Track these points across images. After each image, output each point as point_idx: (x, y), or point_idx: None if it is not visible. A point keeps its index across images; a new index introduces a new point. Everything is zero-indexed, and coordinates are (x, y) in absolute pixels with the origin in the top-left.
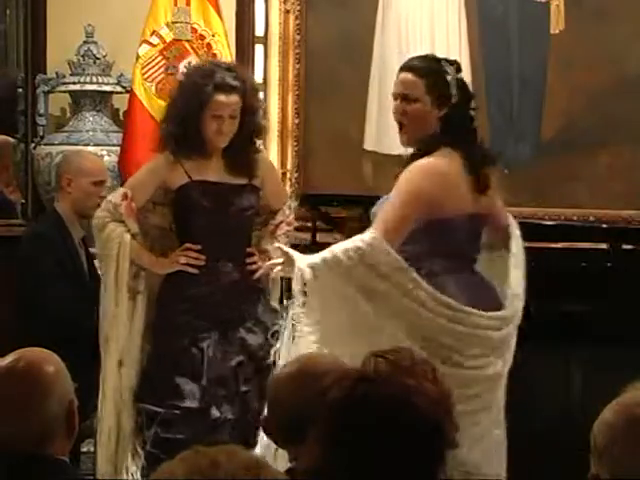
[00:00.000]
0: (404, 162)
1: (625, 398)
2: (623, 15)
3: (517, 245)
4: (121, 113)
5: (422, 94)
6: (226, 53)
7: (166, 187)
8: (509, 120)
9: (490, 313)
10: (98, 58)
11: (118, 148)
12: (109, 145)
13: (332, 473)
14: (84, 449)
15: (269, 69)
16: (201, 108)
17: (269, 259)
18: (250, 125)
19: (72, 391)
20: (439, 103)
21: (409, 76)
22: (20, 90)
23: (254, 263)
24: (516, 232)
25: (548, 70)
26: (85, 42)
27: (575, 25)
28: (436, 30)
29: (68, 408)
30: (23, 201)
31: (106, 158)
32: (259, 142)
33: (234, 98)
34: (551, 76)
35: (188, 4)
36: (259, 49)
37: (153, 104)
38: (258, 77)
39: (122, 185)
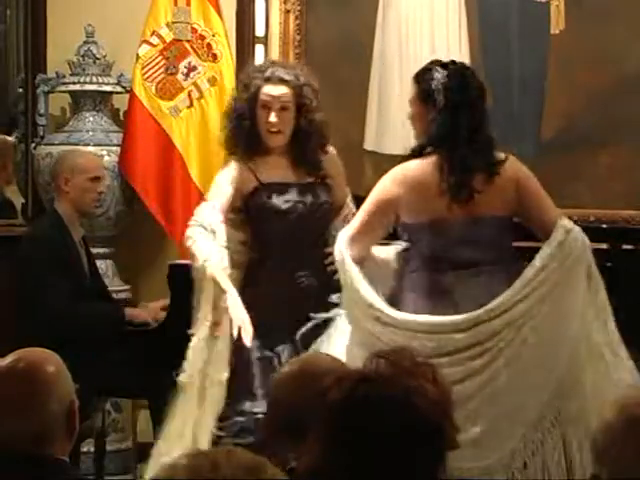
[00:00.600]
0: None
1: (625, 398)
2: (623, 15)
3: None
4: (121, 113)
5: (414, 99)
6: (226, 53)
7: (241, 193)
8: (509, 120)
9: (421, 318)
10: (98, 58)
11: (118, 148)
12: (109, 145)
13: (332, 473)
14: (84, 449)
15: None
16: (252, 102)
17: None
18: (307, 122)
19: (73, 391)
20: (427, 108)
21: (411, 82)
22: (20, 90)
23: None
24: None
25: (548, 70)
26: (85, 42)
27: (575, 25)
28: (436, 30)
29: (69, 408)
30: (23, 201)
31: (106, 158)
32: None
33: (283, 89)
34: (551, 76)
35: (188, 4)
36: (259, 49)
37: (153, 104)
38: None
39: (122, 185)
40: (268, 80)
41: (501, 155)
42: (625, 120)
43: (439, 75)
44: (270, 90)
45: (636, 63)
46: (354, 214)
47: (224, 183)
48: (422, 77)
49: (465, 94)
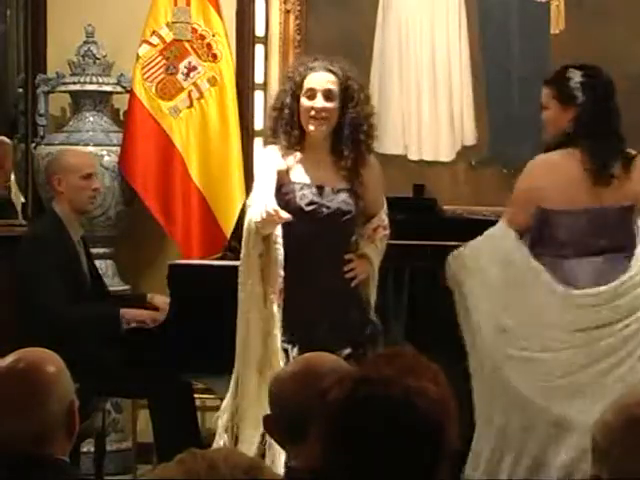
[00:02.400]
0: None
1: (625, 398)
2: (623, 15)
3: None
4: (121, 113)
5: (551, 102)
6: (226, 53)
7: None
8: (509, 120)
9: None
10: (98, 58)
11: (118, 148)
12: (109, 145)
13: (333, 473)
14: (84, 449)
15: (269, 69)
16: (297, 90)
17: (370, 264)
18: (353, 115)
19: (73, 391)
20: (567, 108)
21: (543, 88)
22: (20, 90)
23: (352, 270)
24: None
25: (548, 70)
26: (85, 42)
27: (575, 25)
28: (436, 30)
29: (69, 408)
30: (23, 201)
31: (106, 158)
32: (372, 148)
33: (328, 76)
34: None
35: (188, 4)
36: (259, 49)
37: (153, 104)
38: (258, 77)
39: (122, 185)
40: (313, 69)
41: (632, 150)
42: (625, 120)
43: (576, 76)
44: (315, 77)
45: (636, 63)
46: (385, 227)
47: (268, 168)
48: (558, 80)
49: (602, 91)
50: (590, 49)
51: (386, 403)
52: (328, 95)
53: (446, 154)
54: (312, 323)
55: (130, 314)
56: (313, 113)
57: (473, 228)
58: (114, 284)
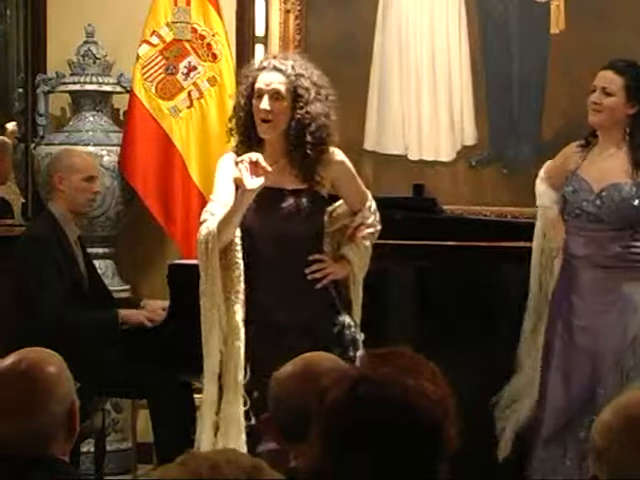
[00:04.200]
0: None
1: (624, 399)
2: (623, 15)
3: None
4: (121, 113)
5: (618, 90)
6: (226, 53)
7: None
8: (509, 120)
9: None
10: (98, 58)
11: (118, 148)
12: (109, 145)
13: (332, 473)
14: (84, 449)
15: None
16: (249, 92)
17: (349, 264)
18: (302, 115)
19: (74, 392)
20: (631, 101)
21: (610, 73)
22: (20, 90)
23: (317, 271)
24: None
25: (548, 70)
26: (85, 42)
27: (575, 25)
28: (436, 30)
29: (69, 409)
30: (23, 201)
31: (106, 158)
32: (331, 145)
33: (276, 76)
34: (551, 76)
35: (188, 4)
36: (259, 49)
37: (153, 104)
38: None
39: (122, 185)
40: (263, 69)
41: None
42: None
43: None
44: (263, 77)
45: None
46: (369, 226)
47: (224, 179)
48: (634, 75)
49: None
50: (590, 49)
51: (384, 403)
52: (275, 96)
53: (446, 154)
54: (279, 330)
55: (127, 316)
56: (261, 115)
57: (473, 228)
58: (114, 284)
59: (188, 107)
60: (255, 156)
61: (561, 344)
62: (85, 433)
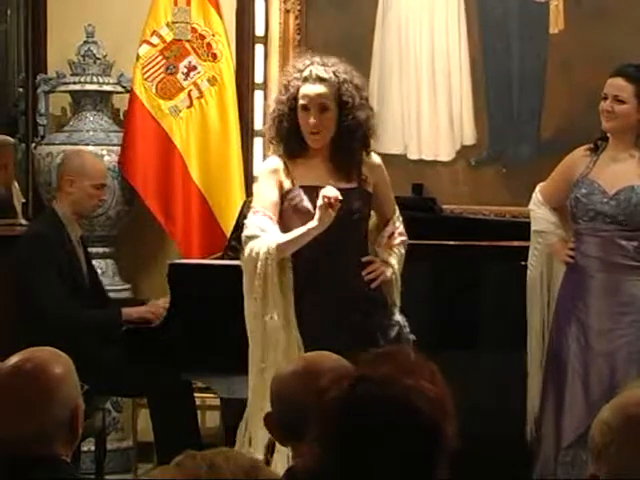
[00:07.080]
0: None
1: (623, 397)
2: (623, 15)
3: None
4: (121, 113)
5: (630, 97)
6: (226, 53)
7: (280, 193)
8: (509, 120)
9: None
10: (98, 58)
11: (118, 148)
12: (109, 145)
13: (331, 472)
14: (84, 448)
15: (269, 69)
16: (292, 103)
17: (391, 267)
18: (349, 122)
19: (79, 394)
20: None
21: (620, 80)
22: (21, 90)
23: (372, 272)
24: None
25: (548, 70)
26: (85, 42)
27: (575, 25)
28: (436, 30)
29: (73, 412)
30: (24, 201)
31: (106, 158)
32: (372, 145)
33: (320, 89)
34: (551, 76)
35: (188, 4)
36: (259, 49)
37: (153, 104)
38: (258, 77)
39: (122, 185)
40: (306, 80)
41: None
42: None
43: None
44: (307, 90)
45: (636, 63)
46: (400, 234)
47: (266, 186)
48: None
49: None
50: (589, 49)
51: (384, 402)
52: (322, 107)
53: (446, 153)
54: (331, 332)
55: (129, 312)
56: (309, 129)
57: (472, 227)
58: (114, 284)
59: (188, 107)
60: (334, 193)
61: (577, 347)
62: (85, 432)
